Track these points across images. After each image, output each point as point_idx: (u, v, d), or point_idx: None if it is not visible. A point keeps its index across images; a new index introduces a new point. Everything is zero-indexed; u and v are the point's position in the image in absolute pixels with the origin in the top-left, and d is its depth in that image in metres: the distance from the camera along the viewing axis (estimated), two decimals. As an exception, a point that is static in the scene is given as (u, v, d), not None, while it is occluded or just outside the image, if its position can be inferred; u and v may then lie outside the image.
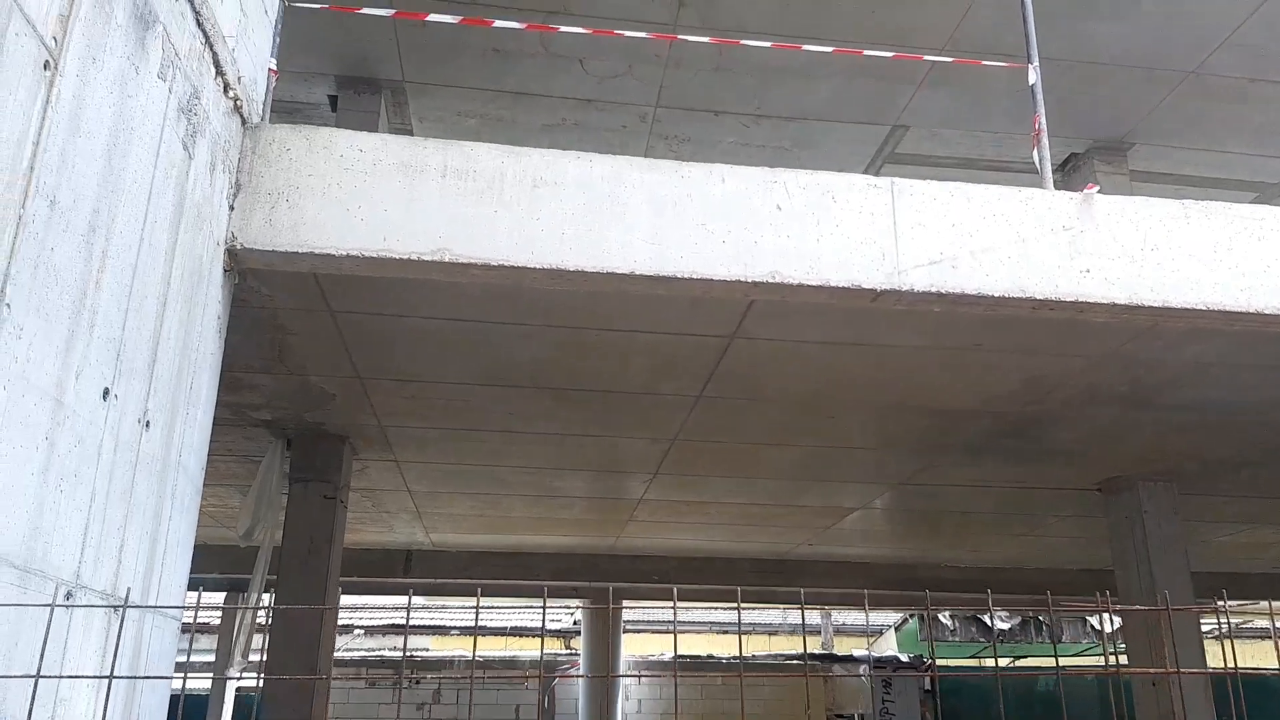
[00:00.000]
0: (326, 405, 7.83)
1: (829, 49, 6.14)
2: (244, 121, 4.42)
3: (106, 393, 3.21)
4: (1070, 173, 10.88)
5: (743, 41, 5.70)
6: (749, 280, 4.91)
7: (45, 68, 2.75)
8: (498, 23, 5.27)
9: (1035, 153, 5.91)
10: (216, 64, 3.98)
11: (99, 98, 3.04)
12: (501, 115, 9.94)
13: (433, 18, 5.40)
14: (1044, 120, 5.92)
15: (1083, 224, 5.29)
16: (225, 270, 4.28)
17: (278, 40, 4.91)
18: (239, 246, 4.30)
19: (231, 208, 4.33)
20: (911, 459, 9.89)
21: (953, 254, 5.11)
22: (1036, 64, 6.12)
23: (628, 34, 5.78)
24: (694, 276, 4.88)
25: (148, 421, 3.53)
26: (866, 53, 5.94)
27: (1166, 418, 8.38)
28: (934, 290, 5.03)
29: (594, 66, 9.13)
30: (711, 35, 8.86)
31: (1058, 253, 5.18)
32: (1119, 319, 5.39)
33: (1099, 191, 5.43)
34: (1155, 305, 5.19)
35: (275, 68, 4.89)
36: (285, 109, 9.39)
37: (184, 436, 3.90)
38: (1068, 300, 5.08)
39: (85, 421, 3.07)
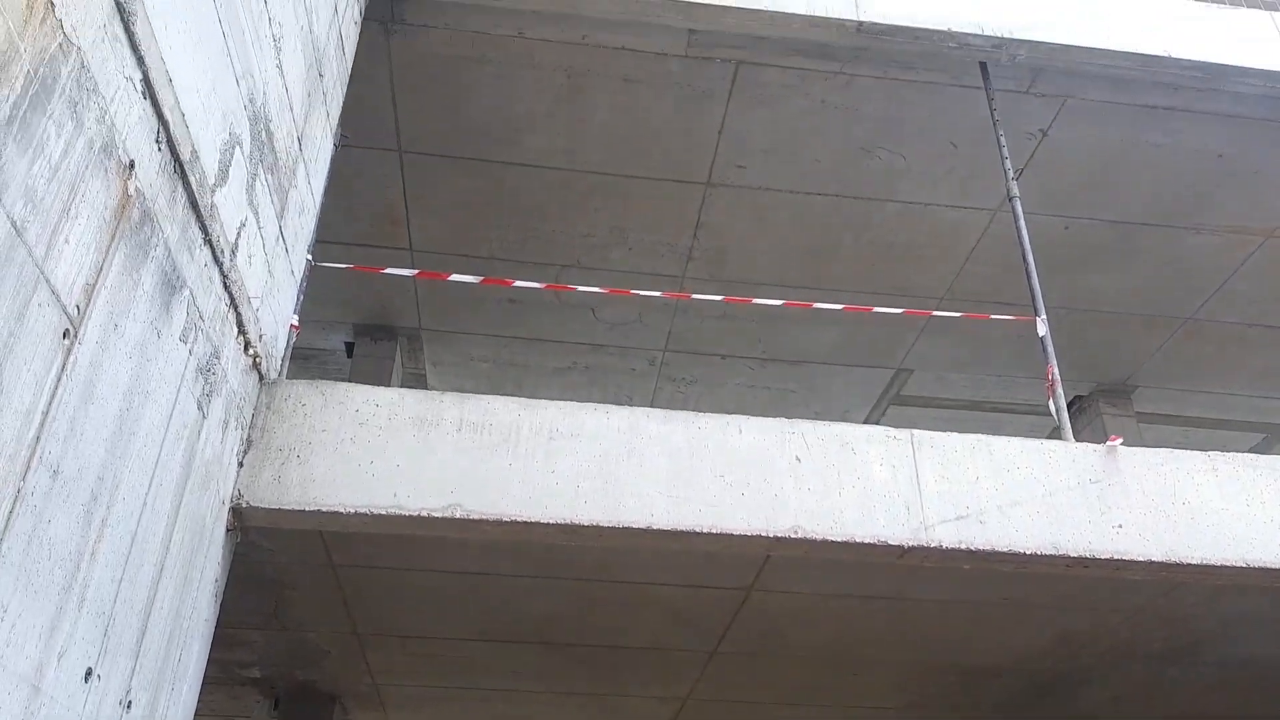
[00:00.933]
0: (321, 662, 7.39)
1: (838, 306, 6.24)
2: (261, 378, 4.40)
3: (89, 673, 2.95)
4: (1076, 415, 10.90)
5: (754, 300, 5.82)
6: (771, 535, 4.72)
7: (65, 336, 2.71)
8: (517, 283, 5.42)
9: (1051, 403, 5.89)
10: (239, 324, 4.00)
11: (117, 364, 3.00)
12: (514, 359, 10.09)
13: (455, 278, 5.54)
14: (1057, 371, 5.94)
15: (1109, 477, 5.16)
16: (228, 529, 4.10)
17: (301, 297, 5.00)
18: (245, 505, 4.16)
19: (240, 464, 4.22)
20: (938, 719, 9.24)
21: (979, 508, 4.95)
22: (1044, 316, 6.23)
23: (641, 293, 5.92)
24: (713, 531, 4.70)
25: (129, 702, 3.25)
26: (875, 309, 6.03)
27: (1205, 674, 7.88)
28: (963, 547, 4.83)
29: (605, 314, 9.37)
30: (719, 285, 9.15)
31: (1088, 507, 5.02)
32: (1156, 576, 5.15)
33: (1121, 443, 5.34)
34: (1194, 563, 4.96)
35: (297, 323, 4.94)
36: (301, 355, 9.55)
37: (167, 716, 3.58)
38: (1103, 558, 4.86)
39: (62, 708, 2.80)
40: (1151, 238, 8.79)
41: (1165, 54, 7.00)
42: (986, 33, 6.83)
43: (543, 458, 4.65)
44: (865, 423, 11.40)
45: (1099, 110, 7.59)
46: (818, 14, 6.71)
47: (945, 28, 6.81)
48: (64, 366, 2.71)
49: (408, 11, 6.63)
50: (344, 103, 5.83)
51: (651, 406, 10.94)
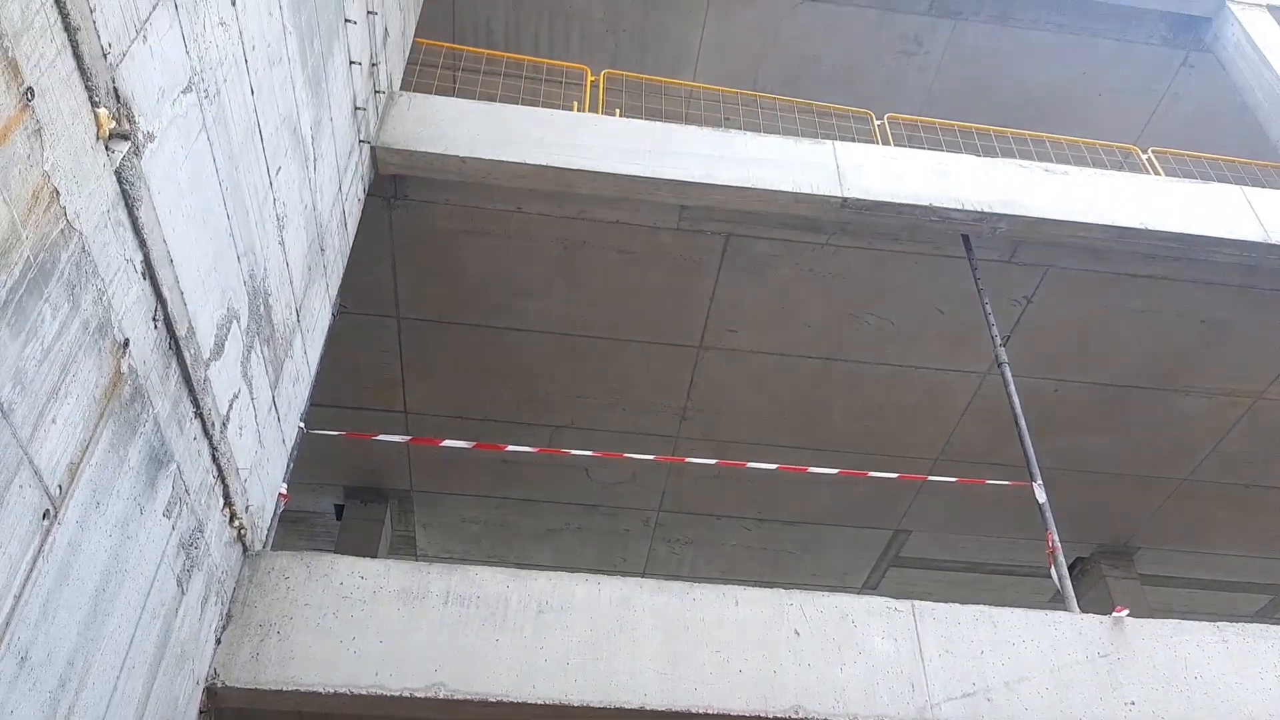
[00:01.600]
0: None
1: (833, 470, 6.22)
2: (245, 549, 4.31)
3: None
4: (1079, 578, 10.67)
5: (748, 464, 5.79)
6: (770, 716, 4.52)
7: (44, 517, 2.67)
8: (510, 447, 5.39)
9: (1053, 571, 5.75)
10: (226, 495, 3.95)
11: (95, 543, 2.94)
12: (506, 520, 9.95)
13: (447, 443, 5.53)
14: (1057, 539, 5.84)
15: (1118, 650, 5.00)
16: (201, 711, 3.92)
17: (291, 466, 4.96)
18: (220, 685, 3.99)
19: (218, 641, 4.08)
20: None
21: (986, 684, 4.76)
22: (1040, 481, 6.18)
23: (634, 456, 5.89)
24: (710, 712, 4.50)
25: None
26: (870, 474, 6.00)
27: None
28: (971, 727, 4.63)
29: (599, 474, 9.30)
30: (713, 445, 9.13)
31: (1098, 682, 4.83)
32: (1175, 758, 4.92)
33: (1128, 614, 5.21)
34: (1213, 744, 4.75)
35: (286, 491, 4.89)
36: (289, 518, 9.42)
37: None
38: (1118, 738, 4.65)
39: None
40: (1142, 400, 8.85)
41: (1141, 226, 7.23)
42: (966, 207, 7.07)
43: (531, 633, 4.51)
44: (865, 585, 11.18)
45: (1081, 278, 7.78)
46: (804, 191, 6.97)
47: (926, 203, 7.06)
48: (41, 548, 2.65)
49: (410, 189, 6.88)
50: (344, 271, 5.97)
51: (646, 568, 10.74)
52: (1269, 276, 7.72)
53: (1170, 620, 5.23)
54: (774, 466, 6.23)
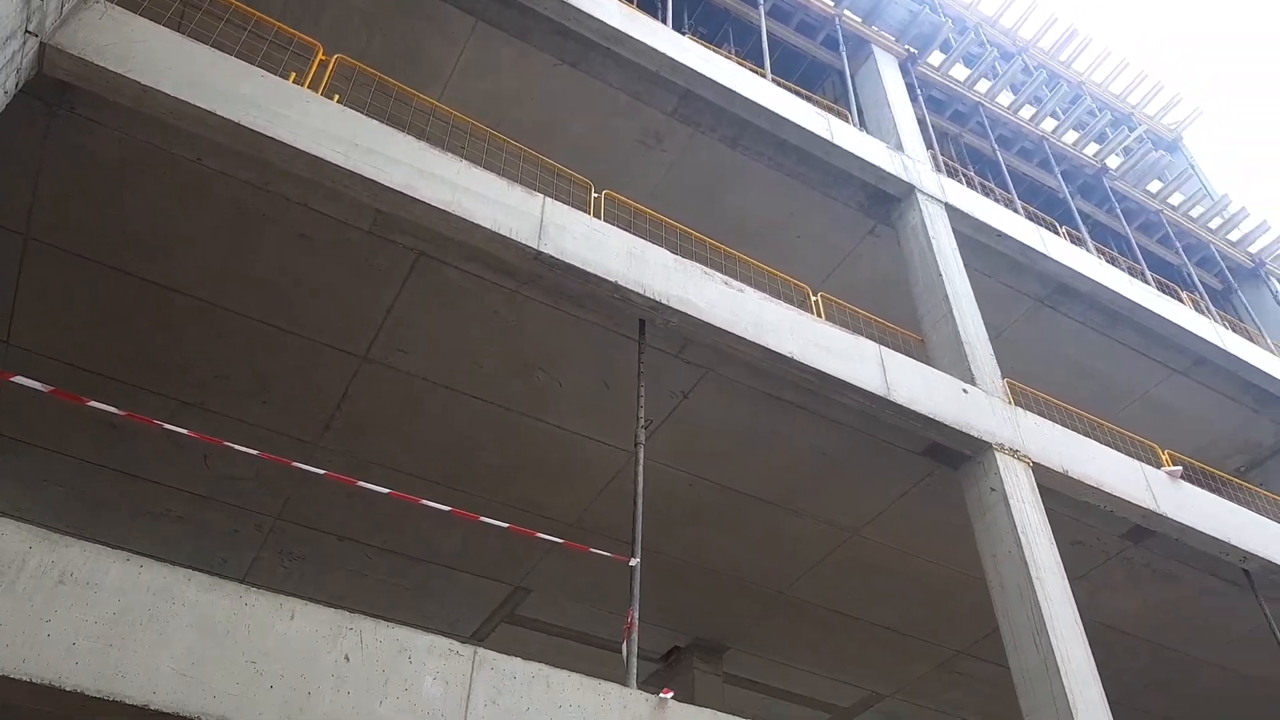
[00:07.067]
0: None
1: (446, 508, 6.16)
2: None
3: None
4: (672, 664, 11.25)
5: (359, 483, 5.58)
6: (286, 738, 4.30)
7: None
8: (93, 403, 4.79)
9: (624, 645, 5.96)
10: None
11: None
12: (98, 492, 8.96)
13: (18, 379, 4.88)
14: (637, 614, 6.09)
15: (655, 727, 5.26)
16: None
17: None
18: None
19: None
20: None
21: (519, 742, 4.82)
22: (638, 559, 6.45)
23: (238, 447, 5.51)
24: (223, 721, 4.21)
25: None
26: (482, 519, 6.01)
27: None
28: (495, 781, 4.65)
29: (219, 464, 8.64)
30: (350, 460, 8.78)
31: (623, 754, 5.05)
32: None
33: (673, 698, 5.50)
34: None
35: None
36: None
37: None
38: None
39: None
40: (761, 511, 9.58)
41: (789, 355, 7.93)
42: (646, 294, 7.45)
43: (41, 603, 4.03)
44: (473, 636, 11.11)
45: (735, 389, 8.37)
46: (501, 232, 7.04)
47: (613, 280, 7.36)
48: None
49: (78, 102, 6.20)
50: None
51: (246, 575, 10.05)
52: (885, 429, 8.70)
53: (707, 709, 5.58)
54: (385, 490, 6.07)
